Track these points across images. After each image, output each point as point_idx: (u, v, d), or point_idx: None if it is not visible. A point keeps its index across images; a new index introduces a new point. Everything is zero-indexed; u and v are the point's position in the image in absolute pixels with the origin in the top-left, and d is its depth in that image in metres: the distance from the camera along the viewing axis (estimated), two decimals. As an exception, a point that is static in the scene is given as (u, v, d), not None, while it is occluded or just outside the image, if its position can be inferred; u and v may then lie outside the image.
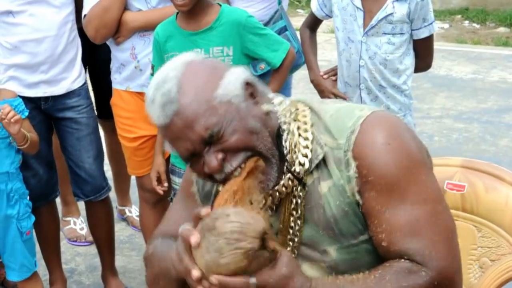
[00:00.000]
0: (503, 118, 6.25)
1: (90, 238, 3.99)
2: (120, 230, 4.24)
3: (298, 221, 1.70)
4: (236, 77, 1.68)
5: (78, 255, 4.14)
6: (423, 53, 3.29)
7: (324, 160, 1.68)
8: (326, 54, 7.17)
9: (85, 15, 3.21)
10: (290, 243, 1.71)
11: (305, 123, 1.71)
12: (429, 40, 3.25)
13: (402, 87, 3.24)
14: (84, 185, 3.43)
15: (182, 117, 1.62)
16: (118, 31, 3.22)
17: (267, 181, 1.67)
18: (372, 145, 1.63)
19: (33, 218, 3.20)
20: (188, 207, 1.85)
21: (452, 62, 8.05)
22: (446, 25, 10.25)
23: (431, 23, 3.20)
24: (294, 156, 1.69)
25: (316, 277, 1.62)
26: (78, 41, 3.33)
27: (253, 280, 1.52)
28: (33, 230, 3.26)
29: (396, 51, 3.19)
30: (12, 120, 2.89)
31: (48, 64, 3.23)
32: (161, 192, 3.17)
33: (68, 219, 4.28)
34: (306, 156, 1.68)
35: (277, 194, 1.70)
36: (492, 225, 2.00)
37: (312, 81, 3.45)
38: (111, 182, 3.65)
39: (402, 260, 1.57)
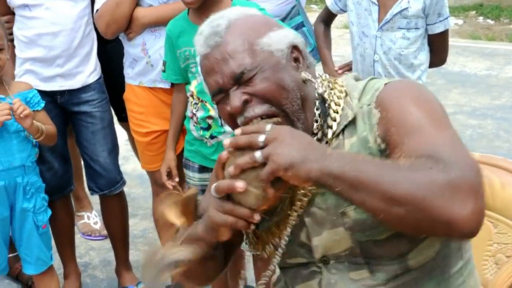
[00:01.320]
0: (517, 114, 6.23)
1: (104, 232, 4.00)
2: (134, 225, 4.25)
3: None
4: (286, 35, 1.71)
5: (92, 249, 4.15)
6: (438, 48, 3.28)
7: (351, 122, 1.69)
8: (340, 50, 7.15)
9: (97, 10, 3.21)
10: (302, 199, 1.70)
11: (341, 91, 1.74)
12: (444, 35, 3.24)
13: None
14: (98, 179, 3.44)
15: (222, 50, 1.67)
16: (129, 27, 3.22)
17: None
18: (392, 91, 1.66)
19: (49, 212, 3.21)
20: None
21: (466, 58, 8.02)
22: (460, 21, 10.22)
23: (446, 18, 3.19)
24: (323, 121, 1.70)
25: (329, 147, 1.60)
26: (94, 35, 3.34)
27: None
28: (49, 224, 3.27)
29: (410, 46, 3.18)
30: (21, 115, 2.90)
31: (64, 58, 3.24)
32: (171, 187, 3.17)
33: (81, 213, 4.30)
34: (335, 120, 1.70)
35: None
36: (508, 221, 1.99)
37: (326, 76, 3.44)
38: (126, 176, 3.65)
39: (423, 158, 1.47)
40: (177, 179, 3.17)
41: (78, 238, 4.07)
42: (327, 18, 3.50)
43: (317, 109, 1.72)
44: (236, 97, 1.65)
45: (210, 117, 2.97)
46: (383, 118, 1.62)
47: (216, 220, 1.57)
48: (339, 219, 1.67)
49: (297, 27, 3.40)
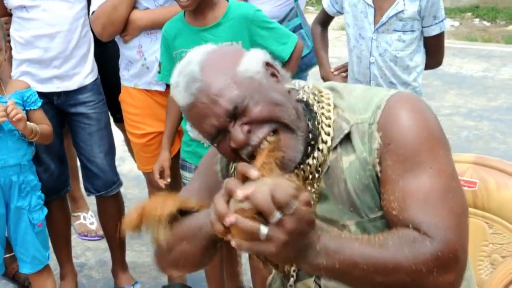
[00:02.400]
0: (513, 116, 6.25)
1: (101, 232, 4.01)
2: (131, 225, 4.24)
3: (314, 196, 1.71)
4: (256, 56, 1.72)
5: (89, 250, 4.15)
6: (433, 51, 3.28)
7: (347, 136, 1.70)
8: (336, 51, 7.15)
9: (93, 12, 3.21)
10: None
11: (329, 104, 1.75)
12: (439, 37, 3.25)
13: (412, 84, 3.24)
14: (95, 180, 3.44)
15: (206, 93, 1.65)
16: (125, 29, 3.22)
17: (294, 153, 1.68)
18: (396, 117, 1.65)
19: (45, 210, 3.21)
20: (209, 182, 1.88)
21: (462, 60, 8.04)
22: (457, 23, 10.23)
23: (442, 21, 3.19)
24: (318, 133, 1.72)
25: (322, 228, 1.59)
26: (90, 36, 3.34)
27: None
28: (45, 223, 3.26)
29: (406, 48, 3.19)
30: (14, 119, 2.91)
31: (61, 59, 3.24)
32: (162, 186, 3.18)
33: (77, 214, 4.30)
34: (328, 134, 1.71)
35: (302, 172, 1.72)
36: (504, 221, 2.00)
37: (322, 77, 3.45)
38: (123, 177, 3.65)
39: (410, 228, 1.55)
40: (168, 180, 3.17)
41: (74, 238, 4.06)
42: (324, 20, 3.50)
43: (308, 120, 1.72)
44: (239, 132, 1.65)
45: (207, 118, 2.97)
46: (385, 145, 1.64)
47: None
48: (340, 229, 1.69)
49: (295, 29, 3.40)
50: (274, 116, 1.66)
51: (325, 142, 1.71)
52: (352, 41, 3.29)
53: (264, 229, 1.43)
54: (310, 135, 1.71)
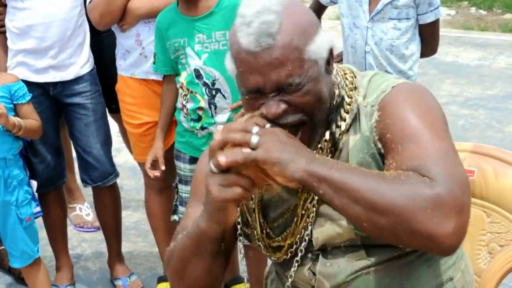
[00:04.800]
0: (509, 104, 6.23)
1: (97, 224, 4.00)
2: (127, 216, 4.24)
3: None
4: (326, 39, 1.65)
5: (85, 241, 4.15)
6: (429, 38, 3.28)
7: (356, 118, 1.70)
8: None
9: (90, 1, 3.19)
10: (313, 200, 1.72)
11: (351, 83, 1.74)
12: (435, 25, 3.24)
13: (408, 73, 3.23)
14: (92, 171, 3.42)
15: (273, 54, 1.57)
16: (123, 18, 3.21)
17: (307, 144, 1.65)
18: (396, 97, 1.66)
19: (33, 204, 3.19)
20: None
21: (458, 49, 8.02)
22: (453, 12, 10.21)
23: (437, 8, 3.18)
24: (337, 113, 1.71)
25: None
26: (86, 26, 3.32)
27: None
28: (34, 217, 3.23)
29: (402, 37, 3.17)
30: None
31: (57, 49, 3.22)
32: (152, 176, 3.17)
33: (73, 205, 4.29)
34: (348, 112, 1.71)
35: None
36: (502, 210, 1.99)
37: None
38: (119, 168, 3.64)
39: (410, 172, 1.50)
40: (163, 168, 3.16)
41: (70, 230, 4.06)
42: (317, 10, 3.49)
43: (337, 97, 1.72)
44: (276, 106, 1.61)
45: (200, 108, 2.96)
46: (381, 122, 1.64)
47: (223, 196, 1.54)
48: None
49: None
50: (312, 110, 1.63)
51: (344, 119, 1.71)
52: (346, 31, 3.27)
53: (254, 137, 1.50)
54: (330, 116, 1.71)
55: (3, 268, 3.81)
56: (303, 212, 1.74)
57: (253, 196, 1.76)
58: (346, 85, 1.74)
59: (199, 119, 2.99)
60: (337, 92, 1.72)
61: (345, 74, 1.78)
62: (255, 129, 1.52)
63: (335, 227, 1.70)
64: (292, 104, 1.62)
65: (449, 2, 10.35)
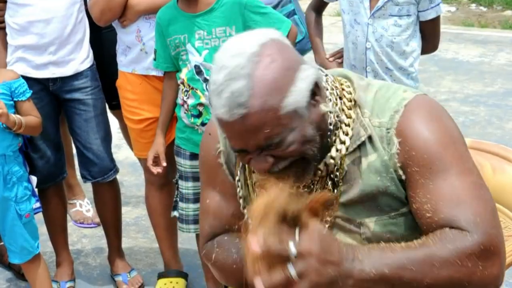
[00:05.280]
0: (509, 101, 6.23)
1: (97, 219, 4.00)
2: (127, 212, 4.25)
3: (334, 202, 1.72)
4: (306, 82, 1.59)
5: (85, 237, 4.15)
6: (429, 35, 3.27)
7: (368, 138, 1.69)
8: (333, 37, 7.13)
9: (91, -4, 3.20)
10: (327, 218, 1.73)
11: (350, 100, 1.73)
12: (435, 21, 3.24)
13: (408, 70, 3.23)
14: (91, 167, 3.43)
15: (247, 123, 1.55)
16: (124, 14, 3.21)
17: (301, 177, 1.66)
18: (414, 123, 1.66)
19: (33, 200, 3.19)
20: (221, 189, 1.87)
21: (458, 45, 8.02)
22: (453, 8, 10.21)
23: (437, 4, 3.18)
24: (336, 134, 1.71)
25: (357, 245, 1.60)
26: (86, 22, 3.32)
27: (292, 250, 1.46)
28: (33, 213, 3.23)
29: (403, 33, 3.17)
30: None
31: (56, 45, 3.22)
32: (155, 172, 3.17)
33: (73, 201, 4.30)
34: (347, 134, 1.70)
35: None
36: (500, 206, 1.99)
37: (317, 64, 3.44)
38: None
39: (447, 229, 1.55)
40: (164, 164, 3.16)
41: (71, 225, 4.07)
42: (319, 6, 3.49)
43: (330, 124, 1.70)
44: (264, 161, 1.62)
45: (201, 104, 2.96)
46: (404, 152, 1.65)
47: None
48: (357, 227, 1.72)
49: (289, 15, 3.38)
50: (301, 154, 1.63)
51: (344, 143, 1.70)
52: (347, 27, 3.27)
53: (292, 269, 1.43)
54: (328, 139, 1.70)
55: (3, 263, 3.81)
56: None
57: None
58: (344, 103, 1.72)
59: (199, 115, 3.00)
60: (329, 120, 1.68)
61: (342, 87, 1.75)
62: (292, 249, 1.45)
63: (347, 240, 1.72)
64: (279, 157, 1.62)
65: (449, -1, 10.34)
